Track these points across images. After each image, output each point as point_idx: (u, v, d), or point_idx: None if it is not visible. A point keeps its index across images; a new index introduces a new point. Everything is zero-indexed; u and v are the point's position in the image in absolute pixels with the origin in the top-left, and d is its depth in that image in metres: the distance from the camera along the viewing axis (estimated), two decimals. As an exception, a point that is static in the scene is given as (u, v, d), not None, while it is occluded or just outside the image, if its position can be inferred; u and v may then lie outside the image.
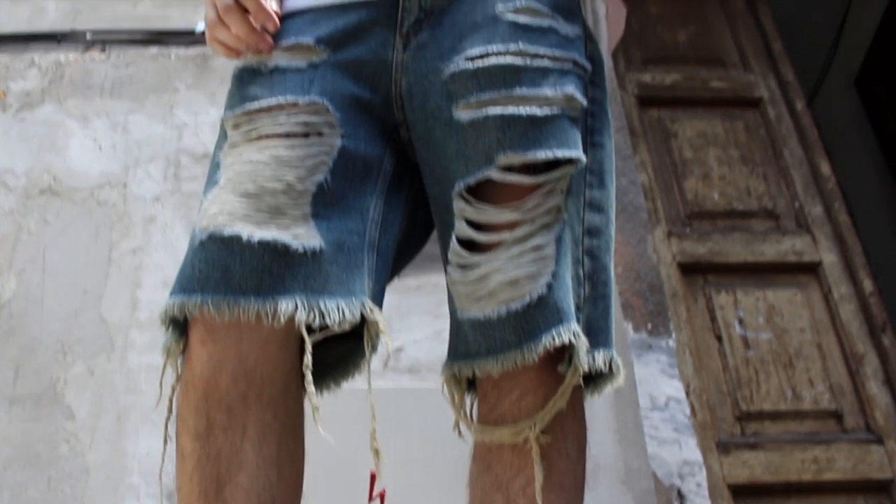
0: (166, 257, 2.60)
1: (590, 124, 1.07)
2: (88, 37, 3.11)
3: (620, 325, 2.49)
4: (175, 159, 2.79)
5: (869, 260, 3.05)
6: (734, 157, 3.20)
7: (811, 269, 2.95)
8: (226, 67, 2.98)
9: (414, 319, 2.42)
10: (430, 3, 1.08)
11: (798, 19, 4.42)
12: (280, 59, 1.06)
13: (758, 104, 3.37)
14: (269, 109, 1.02)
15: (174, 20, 3.15)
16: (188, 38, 3.09)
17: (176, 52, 3.06)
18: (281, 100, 1.02)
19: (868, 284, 2.90)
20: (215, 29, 1.10)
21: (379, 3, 1.09)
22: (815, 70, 4.75)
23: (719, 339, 2.75)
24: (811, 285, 2.93)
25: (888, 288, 3.38)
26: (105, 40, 3.11)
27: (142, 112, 2.91)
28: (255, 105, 1.03)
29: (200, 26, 3.09)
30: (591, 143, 1.06)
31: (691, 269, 2.89)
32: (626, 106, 3.24)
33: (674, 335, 2.55)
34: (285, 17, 1.12)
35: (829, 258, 2.96)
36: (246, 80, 1.06)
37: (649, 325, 2.53)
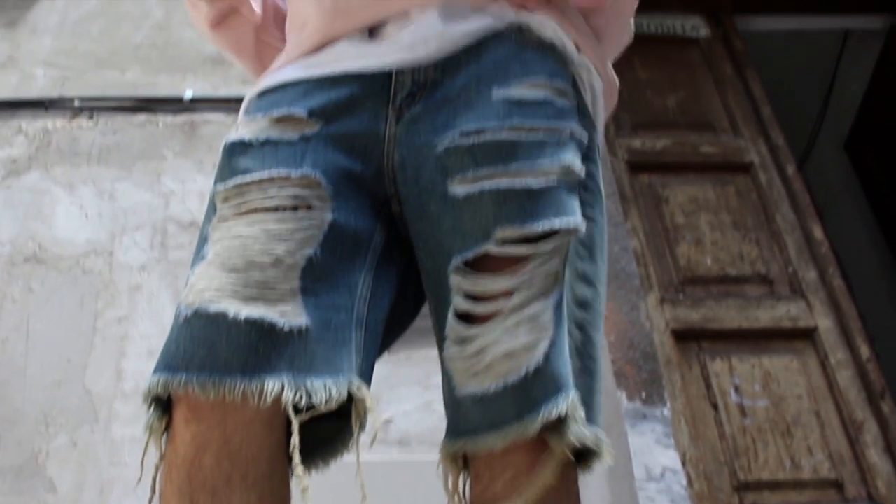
0: (152, 327, 2.59)
1: (582, 197, 1.06)
2: (76, 104, 3.14)
3: (613, 395, 2.47)
4: (162, 227, 2.80)
5: (865, 325, 3.05)
6: (726, 222, 3.22)
7: (807, 335, 2.95)
8: (214, 135, 3.01)
9: (403, 391, 2.41)
10: (424, 77, 1.09)
11: (786, 84, 4.50)
12: (271, 131, 1.07)
13: (749, 169, 3.41)
14: (259, 182, 1.02)
15: (162, 87, 3.18)
16: (176, 105, 3.12)
17: (164, 120, 3.09)
18: (273, 173, 1.02)
19: (865, 350, 2.90)
20: None
21: (372, 76, 1.09)
22: (805, 134, 4.82)
23: (715, 407, 2.74)
24: (807, 351, 2.92)
25: (885, 352, 3.38)
26: (93, 107, 3.15)
27: (129, 179, 2.92)
28: (247, 178, 1.03)
29: (188, 93, 3.12)
30: (583, 216, 1.05)
31: (685, 336, 2.89)
32: (617, 171, 3.27)
33: (668, 404, 2.53)
34: (276, 89, 1.13)
35: (824, 324, 2.96)
36: (237, 153, 1.06)
37: (643, 394, 2.52)
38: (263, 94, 1.15)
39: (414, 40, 1.10)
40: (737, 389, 2.78)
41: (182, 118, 3.09)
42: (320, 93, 1.09)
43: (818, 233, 3.22)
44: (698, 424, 2.69)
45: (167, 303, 2.63)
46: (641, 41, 3.73)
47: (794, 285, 3.07)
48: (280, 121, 1.07)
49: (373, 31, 1.15)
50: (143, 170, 2.95)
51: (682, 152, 3.41)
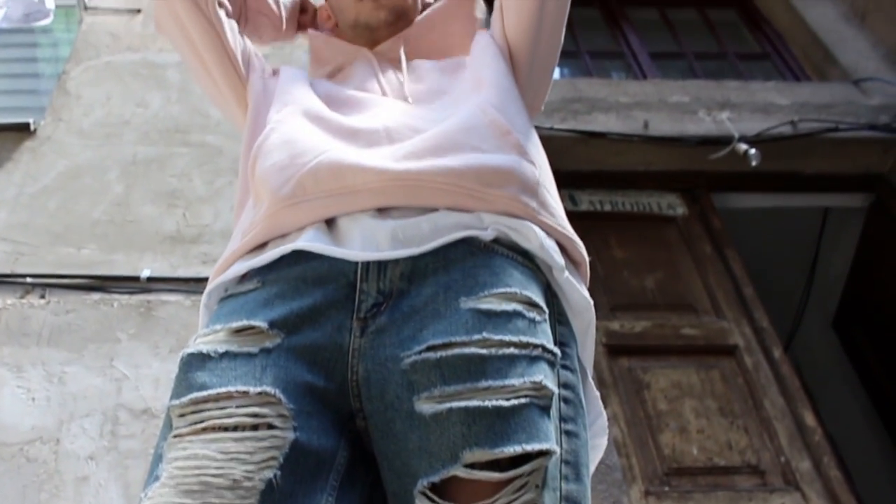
0: (97, 523, 2.53)
1: (563, 411, 1.07)
2: (28, 281, 3.16)
3: None
4: (112, 415, 2.78)
5: (865, 516, 3.04)
6: (712, 408, 3.25)
7: (803, 531, 2.93)
8: (171, 317, 3.03)
9: None
10: (390, 287, 1.11)
11: (768, 262, 4.62)
12: (230, 343, 1.08)
13: (733, 352, 3.46)
14: (217, 398, 1.02)
15: (119, 266, 3.22)
16: (132, 284, 3.15)
17: (119, 300, 3.11)
18: (231, 388, 1.03)
19: (867, 546, 2.88)
20: None
21: (335, 286, 1.12)
22: (791, 313, 4.91)
23: None
24: (806, 548, 2.90)
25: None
26: (45, 284, 3.17)
27: (80, 363, 2.92)
28: (204, 393, 1.03)
29: (146, 273, 3.16)
30: (565, 431, 1.07)
31: (673, 533, 2.86)
32: (595, 356, 3.30)
33: None
34: (235, 295, 1.16)
35: (822, 517, 2.95)
36: (194, 366, 1.06)
37: None
38: (224, 300, 1.17)
39: (366, 240, 1.13)
40: (730, 592, 2.74)
41: (138, 299, 3.11)
42: (281, 303, 1.11)
43: (810, 419, 3.24)
44: None
45: (116, 496, 2.59)
46: (617, 220, 3.90)
47: (788, 476, 3.07)
48: (239, 332, 1.09)
49: (330, 222, 1.18)
50: (94, 353, 2.95)
51: (662, 335, 3.46)
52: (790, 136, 4.00)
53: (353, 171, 1.16)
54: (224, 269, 1.22)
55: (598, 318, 3.48)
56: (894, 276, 4.26)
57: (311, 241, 1.14)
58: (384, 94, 1.40)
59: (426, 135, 1.20)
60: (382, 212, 1.16)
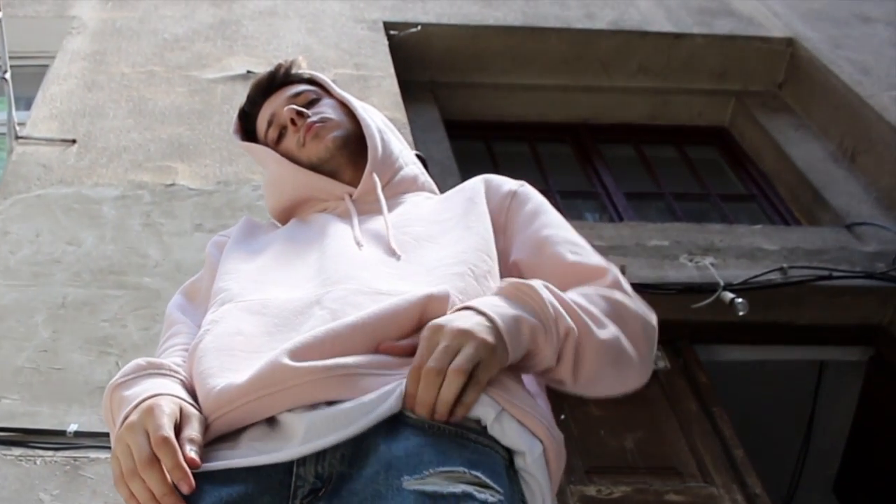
0: None
1: None
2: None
3: None
4: None
5: None
6: (702, 584, 3.24)
7: None
8: (100, 477, 3.01)
9: None
10: (328, 471, 1.14)
11: (760, 422, 4.64)
12: None
13: (724, 521, 3.47)
14: None
15: (43, 418, 3.20)
16: (58, 439, 3.14)
17: (42, 456, 3.09)
18: None
19: None
20: (130, 479, 1.16)
21: (270, 471, 1.15)
22: (787, 477, 4.92)
23: None
24: None
25: None
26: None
27: (-8, 527, 2.89)
28: None
29: (73, 427, 3.15)
30: None
31: None
32: (570, 525, 3.31)
33: None
34: None
35: None
36: None
37: None
38: None
39: (309, 432, 1.17)
40: None
41: (63, 455, 3.09)
42: (210, 488, 1.15)
43: None
44: None
45: None
46: (594, 374, 3.92)
47: None
48: None
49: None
50: (12, 517, 2.92)
51: (644, 501, 3.46)
52: (780, 284, 4.05)
53: (282, 372, 1.20)
54: None
55: (572, 482, 3.52)
56: (900, 436, 4.29)
57: (245, 454, 1.19)
58: (358, 245, 1.47)
59: (363, 320, 1.25)
60: (319, 405, 1.20)
